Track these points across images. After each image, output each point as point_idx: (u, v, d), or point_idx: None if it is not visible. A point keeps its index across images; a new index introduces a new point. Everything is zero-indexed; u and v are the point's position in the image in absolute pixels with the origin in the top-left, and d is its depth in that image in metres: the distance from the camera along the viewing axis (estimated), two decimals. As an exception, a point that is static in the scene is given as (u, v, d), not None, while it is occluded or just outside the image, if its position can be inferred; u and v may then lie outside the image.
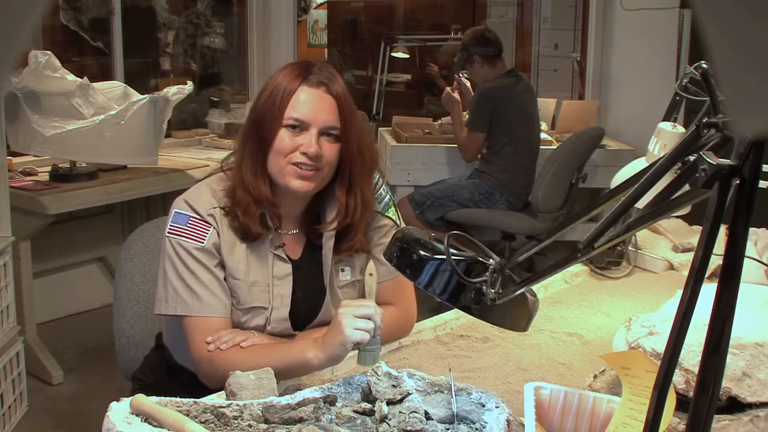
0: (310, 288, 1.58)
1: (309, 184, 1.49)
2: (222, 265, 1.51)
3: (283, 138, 1.48)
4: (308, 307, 1.57)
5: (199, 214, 1.51)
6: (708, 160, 0.67)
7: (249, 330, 1.52)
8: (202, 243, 1.49)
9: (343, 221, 1.54)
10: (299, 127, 1.48)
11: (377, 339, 1.34)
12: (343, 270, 1.61)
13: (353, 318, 1.32)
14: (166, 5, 5.05)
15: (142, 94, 3.39)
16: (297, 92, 1.48)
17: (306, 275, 1.58)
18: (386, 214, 1.64)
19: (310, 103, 1.48)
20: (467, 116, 4.07)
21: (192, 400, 1.16)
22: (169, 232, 1.51)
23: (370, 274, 1.43)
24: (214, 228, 1.50)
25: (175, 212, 1.52)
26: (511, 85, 3.96)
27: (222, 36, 5.29)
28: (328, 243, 1.57)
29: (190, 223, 1.50)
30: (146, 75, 4.97)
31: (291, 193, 1.52)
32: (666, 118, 1.74)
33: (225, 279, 1.51)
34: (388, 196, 1.66)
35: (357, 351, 1.36)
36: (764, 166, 0.66)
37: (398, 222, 1.65)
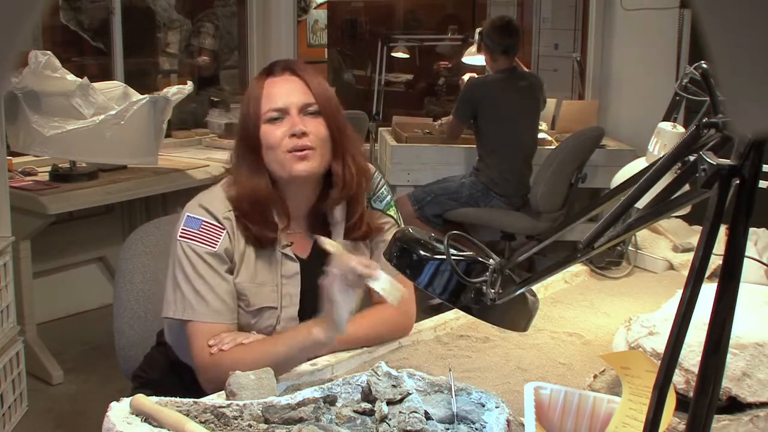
0: (318, 287, 1.58)
1: (310, 163, 1.51)
2: (231, 270, 1.52)
3: (268, 132, 1.52)
4: (317, 306, 1.58)
5: (215, 218, 1.51)
6: (708, 160, 0.67)
7: (257, 331, 1.52)
8: (214, 248, 1.49)
9: (345, 193, 1.56)
10: (279, 116, 1.52)
11: (380, 276, 1.31)
12: None
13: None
14: (167, 5, 5.05)
15: (142, 94, 3.39)
16: (265, 87, 1.54)
17: (314, 274, 1.58)
18: (387, 212, 1.66)
19: (279, 90, 1.53)
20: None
21: (192, 400, 1.16)
22: (180, 236, 1.51)
23: (329, 244, 1.41)
24: (227, 232, 1.51)
25: (188, 216, 1.52)
26: (499, 83, 3.93)
27: (219, 36, 5.29)
28: (337, 239, 1.57)
29: (203, 228, 1.51)
30: (146, 75, 4.97)
31: (297, 180, 1.53)
32: (666, 118, 1.74)
33: (234, 281, 1.51)
34: (389, 196, 1.68)
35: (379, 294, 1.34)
36: (764, 166, 0.66)
37: (399, 221, 1.66)
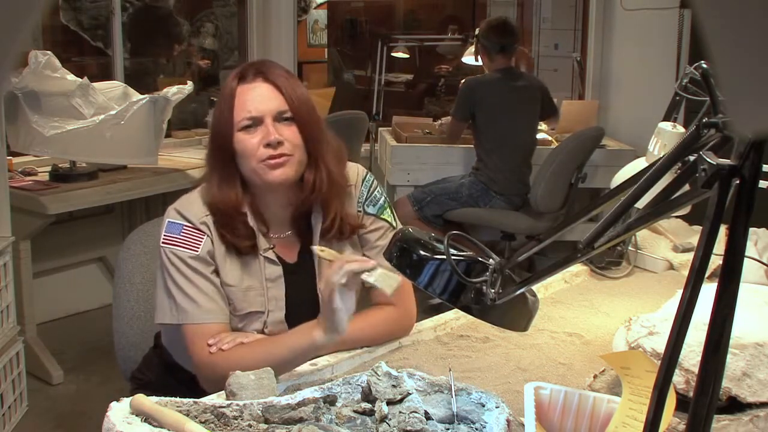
0: (306, 291, 1.58)
1: (286, 170, 1.50)
2: (217, 272, 1.52)
3: (242, 140, 1.50)
4: (304, 310, 1.57)
5: (191, 223, 1.51)
6: (708, 160, 0.67)
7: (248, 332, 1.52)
8: (197, 251, 1.50)
9: (314, 198, 1.54)
10: (253, 124, 1.50)
11: (374, 268, 1.33)
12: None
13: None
14: (169, 6, 5.05)
15: (142, 94, 3.39)
16: (237, 94, 1.51)
17: (301, 278, 1.58)
18: (381, 216, 1.64)
19: (253, 98, 1.50)
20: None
21: (192, 400, 1.16)
22: (163, 242, 1.51)
23: (321, 251, 1.43)
24: (207, 236, 1.51)
25: (169, 222, 1.53)
26: (496, 82, 3.94)
27: (219, 36, 5.29)
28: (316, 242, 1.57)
29: (183, 232, 1.51)
30: (146, 75, 4.97)
31: (275, 187, 1.52)
32: (666, 118, 1.74)
33: (222, 286, 1.51)
34: (383, 198, 1.66)
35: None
36: (764, 166, 0.66)
37: (394, 224, 1.65)
